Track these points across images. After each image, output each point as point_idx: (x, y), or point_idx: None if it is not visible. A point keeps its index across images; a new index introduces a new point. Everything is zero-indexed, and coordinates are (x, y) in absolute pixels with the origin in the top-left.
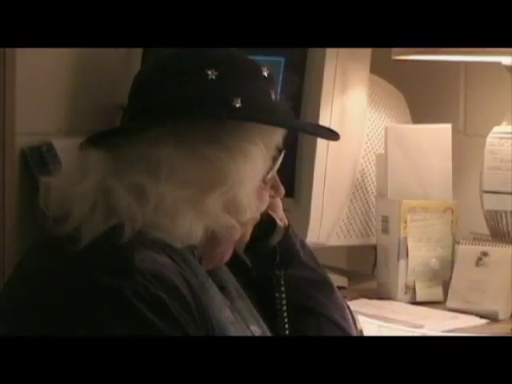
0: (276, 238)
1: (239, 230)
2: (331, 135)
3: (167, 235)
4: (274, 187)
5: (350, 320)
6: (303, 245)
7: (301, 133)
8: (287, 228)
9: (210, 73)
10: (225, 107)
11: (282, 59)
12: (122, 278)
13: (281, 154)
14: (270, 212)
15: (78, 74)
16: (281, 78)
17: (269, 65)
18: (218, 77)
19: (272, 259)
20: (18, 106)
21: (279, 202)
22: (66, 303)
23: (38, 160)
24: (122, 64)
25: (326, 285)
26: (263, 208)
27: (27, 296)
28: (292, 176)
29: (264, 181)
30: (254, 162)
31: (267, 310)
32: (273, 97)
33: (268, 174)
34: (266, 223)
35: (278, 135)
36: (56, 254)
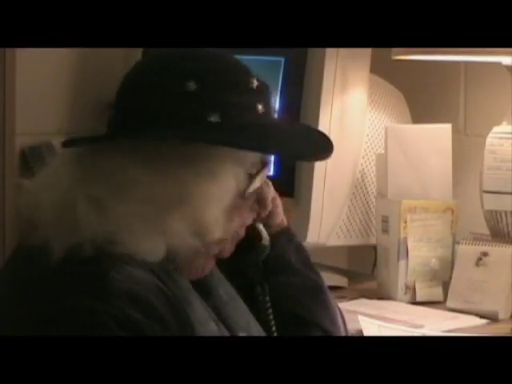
0: (260, 255)
1: (217, 245)
2: (314, 154)
3: (128, 251)
4: (259, 201)
5: (340, 323)
6: (299, 249)
7: (270, 155)
8: (284, 231)
9: (189, 85)
10: (199, 123)
11: (282, 59)
12: (98, 301)
13: (263, 168)
14: (260, 228)
15: (78, 74)
16: (281, 78)
17: (269, 65)
18: (197, 89)
19: (255, 274)
20: (18, 106)
21: (279, 205)
22: (39, 322)
23: (38, 160)
24: (122, 64)
25: (318, 290)
26: (243, 224)
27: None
28: (292, 176)
29: (242, 197)
30: (223, 183)
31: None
32: (260, 109)
33: (246, 190)
34: (250, 239)
35: (255, 154)
36: (30, 267)
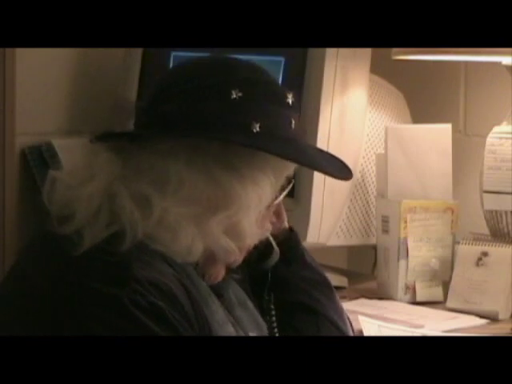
0: (270, 263)
1: (237, 254)
2: (341, 174)
3: (167, 249)
4: (276, 213)
5: (348, 323)
6: (305, 248)
7: (310, 169)
8: (291, 228)
9: (234, 92)
10: (242, 131)
11: (282, 59)
12: (120, 286)
13: (290, 183)
14: (270, 238)
15: (78, 74)
16: (281, 78)
17: (269, 65)
18: (242, 98)
19: (263, 283)
20: (18, 106)
21: (282, 211)
22: (61, 309)
23: (38, 160)
24: (122, 64)
25: (328, 286)
26: (263, 235)
27: (21, 297)
28: (292, 176)
29: (268, 209)
30: (261, 191)
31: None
32: (293, 126)
33: (272, 202)
34: (263, 247)
35: (290, 167)
36: (55, 257)
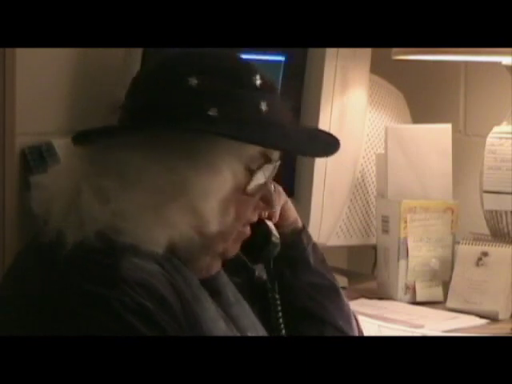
0: (271, 253)
1: (219, 242)
2: (320, 152)
3: (132, 241)
4: (263, 199)
5: (354, 325)
6: (315, 249)
7: (273, 149)
8: (300, 231)
9: (190, 80)
10: (199, 117)
11: (282, 59)
12: (109, 287)
13: (265, 164)
14: (270, 225)
15: (78, 74)
16: (281, 78)
17: (269, 65)
18: (198, 85)
19: (267, 271)
20: (18, 106)
21: (290, 208)
22: (50, 313)
23: (38, 160)
24: (122, 64)
25: (334, 291)
26: (247, 222)
27: (14, 301)
28: (292, 176)
29: (245, 193)
30: (219, 174)
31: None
32: (263, 107)
33: (247, 186)
34: (261, 236)
35: (253, 148)
36: (42, 261)
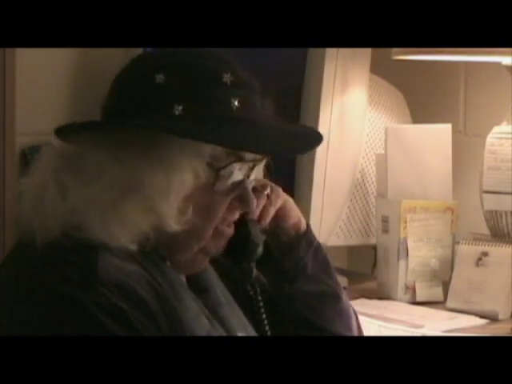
0: (251, 253)
1: (191, 240)
2: (295, 150)
3: (94, 237)
4: (239, 198)
5: (355, 328)
6: (317, 254)
7: (235, 150)
8: (303, 233)
9: (157, 77)
10: (162, 113)
11: (283, 59)
12: (85, 289)
13: (233, 163)
14: (250, 225)
15: (78, 74)
16: (281, 78)
17: (269, 65)
18: (165, 82)
19: (247, 276)
20: (18, 106)
21: (292, 208)
22: (26, 314)
23: None
24: (122, 64)
25: (333, 296)
26: (224, 220)
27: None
28: (292, 176)
29: (210, 191)
30: (177, 173)
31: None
32: (234, 104)
33: (214, 184)
34: (241, 237)
35: (216, 146)
36: (18, 261)
